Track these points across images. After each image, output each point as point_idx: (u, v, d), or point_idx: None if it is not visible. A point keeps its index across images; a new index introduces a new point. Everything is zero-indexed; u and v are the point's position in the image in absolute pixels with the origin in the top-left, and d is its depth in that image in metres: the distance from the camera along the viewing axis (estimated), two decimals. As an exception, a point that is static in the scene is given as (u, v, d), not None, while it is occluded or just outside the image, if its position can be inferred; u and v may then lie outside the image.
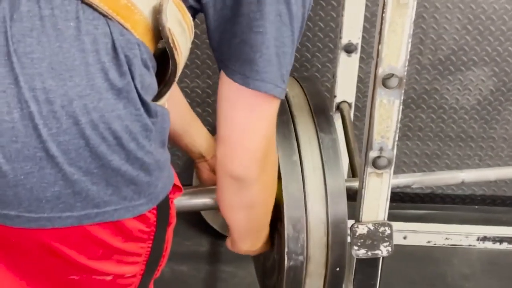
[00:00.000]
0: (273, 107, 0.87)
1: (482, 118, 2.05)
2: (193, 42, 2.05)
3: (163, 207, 0.87)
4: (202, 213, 2.03)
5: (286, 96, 1.22)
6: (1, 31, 0.70)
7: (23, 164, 0.71)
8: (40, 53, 0.70)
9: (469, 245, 1.94)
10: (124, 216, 0.79)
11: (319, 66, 1.99)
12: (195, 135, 1.20)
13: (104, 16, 0.74)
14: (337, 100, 1.68)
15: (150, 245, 0.88)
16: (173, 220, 0.94)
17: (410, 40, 1.00)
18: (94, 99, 0.72)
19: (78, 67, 0.71)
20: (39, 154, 0.71)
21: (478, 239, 1.93)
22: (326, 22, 1.93)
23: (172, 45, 0.79)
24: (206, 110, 2.08)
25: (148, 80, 0.78)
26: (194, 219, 2.09)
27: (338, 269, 1.15)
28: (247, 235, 1.09)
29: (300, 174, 1.12)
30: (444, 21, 1.91)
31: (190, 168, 2.11)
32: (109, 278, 0.86)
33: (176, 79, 0.85)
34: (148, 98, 0.78)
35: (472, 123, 2.05)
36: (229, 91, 0.84)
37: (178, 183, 0.93)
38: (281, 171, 1.12)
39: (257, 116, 0.86)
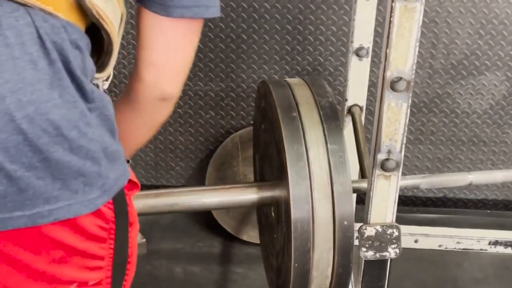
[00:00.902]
0: (200, 27, 0.89)
1: (494, 123, 2.05)
2: (206, 46, 2.10)
3: (120, 202, 0.84)
4: (214, 214, 2.05)
5: (293, 97, 1.24)
6: None
7: None
8: None
9: (481, 250, 1.94)
10: (80, 212, 0.77)
11: (332, 70, 2.01)
12: None
13: (24, 5, 0.71)
14: (349, 103, 1.69)
15: (112, 246, 0.85)
16: (135, 221, 0.91)
17: (417, 44, 1.01)
18: (27, 92, 0.70)
19: (5, 63, 0.69)
20: None
21: (489, 244, 1.93)
22: (338, 26, 1.94)
23: (97, 16, 0.78)
24: (219, 113, 2.10)
25: (81, 61, 0.76)
26: (206, 221, 2.11)
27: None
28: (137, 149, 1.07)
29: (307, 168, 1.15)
30: (457, 26, 1.92)
31: (203, 169, 2.13)
32: (73, 287, 0.83)
33: (116, 47, 0.84)
34: (85, 79, 0.77)
35: (485, 127, 2.06)
36: (154, 24, 0.85)
37: (135, 179, 0.91)
38: (288, 171, 1.14)
39: (188, 39, 0.88)
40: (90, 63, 0.79)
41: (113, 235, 0.84)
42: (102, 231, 0.82)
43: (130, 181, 0.87)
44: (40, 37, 0.71)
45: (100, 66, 0.84)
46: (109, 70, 0.85)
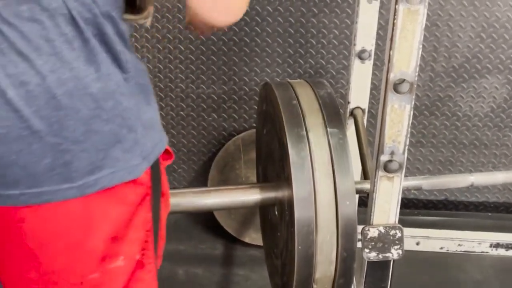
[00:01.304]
0: None
1: (495, 126, 2.06)
2: (209, 49, 2.11)
3: (155, 170, 0.87)
4: (217, 216, 2.06)
5: (296, 97, 1.26)
6: None
7: (11, 145, 0.74)
8: (7, 42, 0.72)
9: (482, 252, 1.94)
10: (123, 178, 0.81)
11: (334, 72, 2.02)
12: None
13: None
14: (351, 106, 1.70)
15: (150, 215, 0.88)
16: (166, 191, 0.94)
17: (420, 46, 1.02)
18: (65, 71, 0.74)
19: (43, 45, 0.73)
20: (24, 133, 0.74)
21: (491, 246, 1.94)
22: (340, 29, 1.95)
23: None
24: (222, 115, 2.11)
25: (115, 28, 0.79)
26: (208, 223, 2.11)
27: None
28: None
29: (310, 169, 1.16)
30: (458, 29, 1.93)
31: (206, 171, 2.14)
32: (121, 262, 0.85)
33: None
34: (119, 47, 0.79)
35: (486, 130, 2.06)
36: None
37: (170, 149, 0.93)
38: (292, 172, 1.15)
39: None
40: (123, 27, 0.82)
41: (149, 203, 0.87)
42: (141, 199, 0.85)
43: (164, 150, 0.90)
44: (72, 18, 0.75)
45: (138, 8, 0.85)
46: (149, 9, 0.87)
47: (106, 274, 0.85)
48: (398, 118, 1.07)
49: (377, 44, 1.68)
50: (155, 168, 0.87)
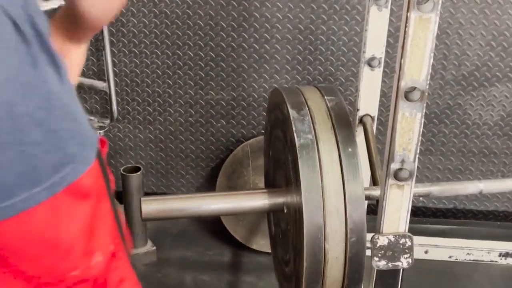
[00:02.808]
0: None
1: (505, 134, 2.05)
2: (218, 55, 2.10)
3: (99, 156, 0.89)
4: (224, 223, 2.05)
5: (305, 102, 1.26)
6: None
7: None
8: None
9: (491, 261, 1.93)
10: (82, 170, 0.83)
11: (343, 80, 2.01)
12: None
13: None
14: (360, 113, 1.69)
15: (109, 204, 0.91)
16: (113, 179, 0.96)
17: (432, 54, 1.01)
18: (17, 77, 0.75)
19: None
20: None
21: (500, 255, 1.92)
22: (350, 36, 1.95)
23: None
24: (230, 122, 2.11)
25: (45, 27, 0.81)
26: (216, 230, 2.11)
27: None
28: None
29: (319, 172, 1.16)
30: (468, 37, 1.92)
31: (214, 177, 2.14)
32: (99, 257, 0.88)
33: None
34: (51, 45, 0.81)
35: (495, 138, 2.05)
36: None
37: (102, 138, 0.96)
38: (301, 177, 1.15)
39: None
40: (47, 20, 0.84)
41: (105, 191, 0.90)
42: (98, 189, 0.88)
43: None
44: (15, 24, 0.75)
45: None
46: None
47: (87, 270, 0.87)
48: (409, 126, 1.07)
49: (386, 51, 1.68)
50: (99, 155, 0.89)
